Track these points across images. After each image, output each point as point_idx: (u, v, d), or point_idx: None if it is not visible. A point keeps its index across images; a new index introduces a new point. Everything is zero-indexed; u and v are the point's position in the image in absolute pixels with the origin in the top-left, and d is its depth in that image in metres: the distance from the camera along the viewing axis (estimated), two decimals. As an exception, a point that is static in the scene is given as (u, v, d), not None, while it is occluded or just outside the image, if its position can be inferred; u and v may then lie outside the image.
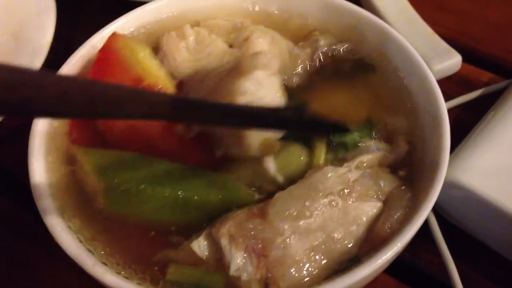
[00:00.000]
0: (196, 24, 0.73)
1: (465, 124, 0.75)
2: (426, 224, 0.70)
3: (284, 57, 0.69)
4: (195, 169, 0.60)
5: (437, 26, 0.90)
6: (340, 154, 0.61)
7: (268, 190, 0.58)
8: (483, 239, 0.69)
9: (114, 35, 0.65)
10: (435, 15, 0.95)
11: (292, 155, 0.60)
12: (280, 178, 0.59)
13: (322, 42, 0.71)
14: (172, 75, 0.68)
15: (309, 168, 0.59)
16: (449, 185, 0.66)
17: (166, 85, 0.64)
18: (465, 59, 0.86)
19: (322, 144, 0.61)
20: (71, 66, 0.66)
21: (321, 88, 0.69)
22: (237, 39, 0.70)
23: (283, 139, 0.61)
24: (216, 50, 0.69)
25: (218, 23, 0.73)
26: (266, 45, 0.68)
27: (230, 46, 0.71)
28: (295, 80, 0.69)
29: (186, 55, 0.69)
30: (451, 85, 0.85)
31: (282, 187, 0.58)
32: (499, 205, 0.63)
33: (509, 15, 0.96)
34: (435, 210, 0.71)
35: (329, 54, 0.71)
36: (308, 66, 0.70)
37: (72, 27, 0.91)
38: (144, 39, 0.73)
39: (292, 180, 0.59)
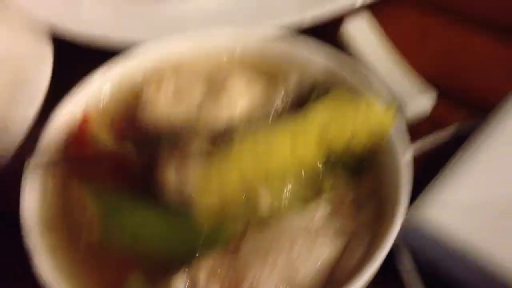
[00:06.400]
0: (174, 71, 0.75)
1: (438, 162, 0.75)
2: (395, 264, 0.70)
3: (259, 98, 0.72)
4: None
5: (415, 61, 0.91)
6: None
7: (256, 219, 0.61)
8: (457, 282, 0.69)
9: (83, 120, 0.69)
10: (414, 50, 0.95)
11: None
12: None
13: (290, 80, 0.73)
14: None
15: None
16: (416, 226, 0.67)
17: None
18: (441, 96, 0.87)
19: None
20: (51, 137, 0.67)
21: None
22: (215, 82, 0.73)
23: None
24: (197, 96, 0.72)
25: (196, 68, 0.75)
26: (243, 87, 0.72)
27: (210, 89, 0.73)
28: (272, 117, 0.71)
29: (166, 104, 0.71)
30: (424, 122, 0.85)
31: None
32: (468, 248, 0.64)
33: (491, 53, 0.96)
34: (410, 250, 0.71)
35: (298, 89, 0.73)
36: (282, 102, 0.72)
37: (69, 74, 0.92)
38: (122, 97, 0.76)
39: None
